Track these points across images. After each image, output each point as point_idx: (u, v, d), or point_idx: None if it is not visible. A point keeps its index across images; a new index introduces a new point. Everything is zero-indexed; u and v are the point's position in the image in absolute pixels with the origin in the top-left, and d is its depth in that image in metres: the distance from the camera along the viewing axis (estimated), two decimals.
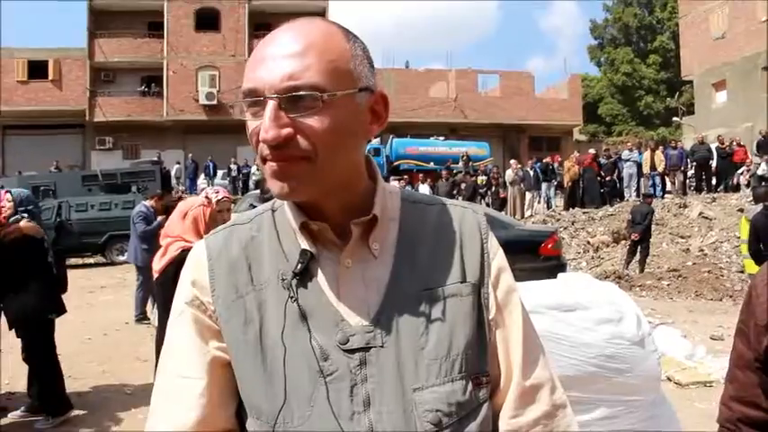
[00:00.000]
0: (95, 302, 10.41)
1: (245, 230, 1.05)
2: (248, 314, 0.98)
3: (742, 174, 19.23)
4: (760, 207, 7.76)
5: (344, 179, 0.98)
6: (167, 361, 1.03)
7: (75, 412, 5.18)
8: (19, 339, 5.07)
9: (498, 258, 1.08)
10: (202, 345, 1.01)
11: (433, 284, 1.01)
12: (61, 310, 5.16)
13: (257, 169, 25.53)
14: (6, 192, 5.11)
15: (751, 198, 12.96)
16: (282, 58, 0.91)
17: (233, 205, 5.28)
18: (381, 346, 0.96)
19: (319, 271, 0.99)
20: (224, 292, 1.00)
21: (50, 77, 31.46)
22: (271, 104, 0.90)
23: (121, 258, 15.53)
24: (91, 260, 17.14)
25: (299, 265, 0.97)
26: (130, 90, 32.51)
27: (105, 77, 32.61)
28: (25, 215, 4.97)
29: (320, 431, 0.92)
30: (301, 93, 0.90)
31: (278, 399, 0.94)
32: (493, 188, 20.55)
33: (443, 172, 20.60)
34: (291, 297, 0.96)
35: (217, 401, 0.99)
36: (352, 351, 0.95)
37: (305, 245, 0.99)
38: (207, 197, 4.34)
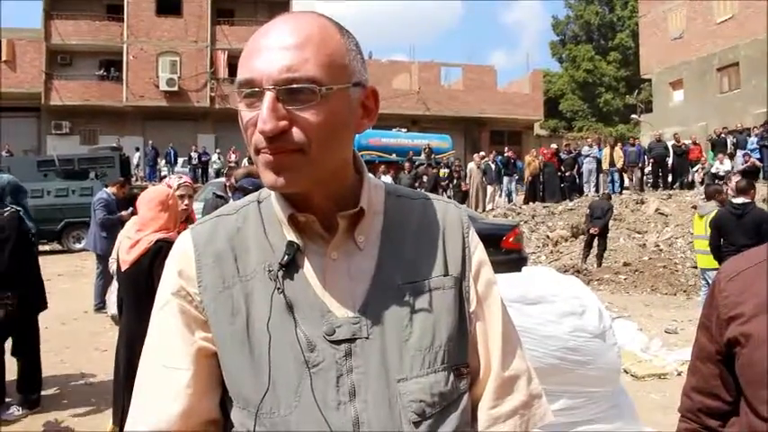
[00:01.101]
0: (52, 291, 10.08)
1: (230, 221, 1.06)
2: (235, 305, 0.99)
3: (697, 171, 19.73)
4: (712, 204, 7.97)
5: (334, 172, 0.99)
6: (152, 350, 1.04)
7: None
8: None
9: (479, 252, 1.11)
10: (188, 335, 1.01)
11: (417, 277, 1.03)
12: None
13: (218, 157, 25.30)
14: None
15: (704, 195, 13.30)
16: (280, 49, 0.92)
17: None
18: (367, 338, 0.97)
19: (306, 263, 1.00)
20: (211, 283, 1.01)
21: (3, 58, 30.45)
22: (269, 96, 0.90)
23: (78, 246, 15.23)
24: (47, 247, 16.77)
25: (286, 256, 0.98)
26: (88, 74, 31.73)
27: (62, 60, 31.75)
28: (13, 207, 4.87)
29: (306, 421, 0.94)
30: (299, 85, 0.91)
31: (263, 387, 0.95)
32: (455, 181, 20.66)
33: (406, 164, 20.61)
34: (278, 288, 0.97)
35: (202, 392, 1.00)
36: (338, 342, 0.97)
37: (291, 237, 1.00)
38: (168, 185, 4.27)
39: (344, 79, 0.96)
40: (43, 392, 5.20)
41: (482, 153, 21.79)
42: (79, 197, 15.56)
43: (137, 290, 3.40)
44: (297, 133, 0.92)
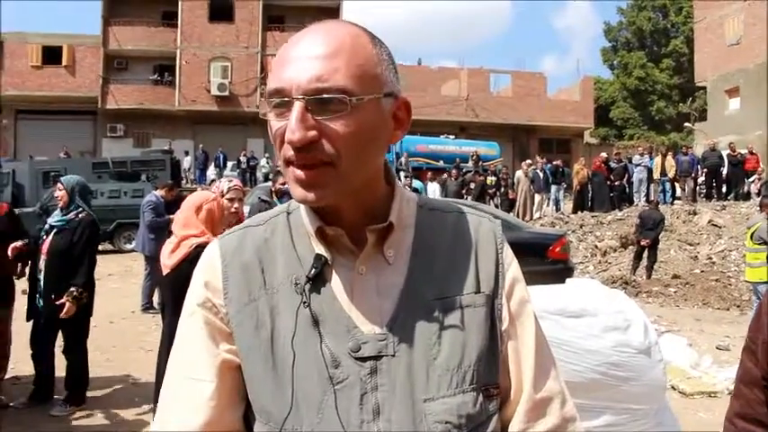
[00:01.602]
0: (102, 290, 10.33)
1: (258, 232, 1.05)
2: (260, 318, 0.98)
3: (753, 182, 19.12)
4: (760, 216, 7.75)
5: (365, 185, 0.98)
6: (177, 361, 1.03)
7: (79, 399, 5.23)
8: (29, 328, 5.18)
9: (513, 269, 1.08)
10: (213, 347, 1.00)
11: (448, 294, 1.00)
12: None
13: (267, 162, 25.59)
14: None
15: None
16: (311, 59, 0.91)
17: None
18: (393, 355, 0.95)
19: (333, 277, 0.99)
20: (236, 295, 1.00)
21: (64, 63, 31.51)
22: (298, 105, 0.89)
23: (129, 247, 15.55)
24: (99, 247, 17.20)
25: (313, 269, 0.97)
26: (143, 78, 32.54)
27: (118, 65, 32.65)
28: (84, 207, 5.12)
29: None
30: (329, 95, 0.89)
31: (286, 404, 0.94)
32: (502, 189, 20.47)
33: (453, 171, 20.54)
34: (304, 302, 0.96)
35: (225, 404, 0.99)
36: (364, 359, 0.95)
37: (319, 249, 0.99)
38: (219, 189, 4.30)
39: (376, 90, 0.94)
40: (89, 391, 5.31)
41: (528, 161, 21.49)
42: (131, 198, 15.90)
43: (178, 294, 3.41)
44: (326, 145, 0.90)
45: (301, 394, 0.94)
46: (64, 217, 5.08)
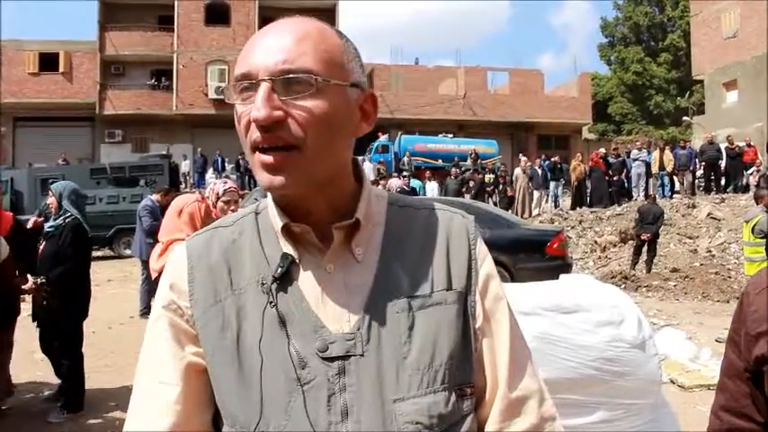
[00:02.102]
0: (101, 296, 10.38)
1: (226, 233, 1.04)
2: (226, 319, 0.97)
3: (752, 174, 19.10)
4: (757, 209, 7.72)
5: (332, 176, 0.97)
6: (144, 364, 1.02)
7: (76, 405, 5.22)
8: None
9: (487, 265, 1.06)
10: (178, 350, 0.99)
11: (418, 291, 0.98)
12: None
13: None
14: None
15: None
16: (278, 45, 0.92)
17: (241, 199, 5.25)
18: (362, 355, 0.93)
19: (301, 275, 0.97)
20: (202, 297, 0.98)
21: (61, 70, 31.53)
22: (264, 86, 0.89)
23: (128, 252, 15.55)
24: (98, 253, 17.20)
25: (280, 269, 0.96)
26: (140, 83, 32.57)
27: (115, 70, 32.67)
28: (73, 211, 5.10)
29: None
30: (296, 75, 0.90)
31: (254, 408, 0.92)
32: (501, 186, 20.47)
33: (452, 170, 20.55)
34: (270, 302, 0.95)
35: (192, 407, 0.98)
36: (332, 359, 0.93)
37: (286, 248, 0.97)
38: (215, 192, 4.27)
39: (342, 77, 0.94)
40: (87, 396, 5.30)
41: (524, 158, 21.48)
42: (129, 204, 15.91)
43: None
44: (293, 125, 0.90)
45: (268, 396, 0.92)
46: (53, 223, 5.10)
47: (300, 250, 0.98)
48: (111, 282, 12.10)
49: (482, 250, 1.07)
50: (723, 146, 19.45)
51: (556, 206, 20.27)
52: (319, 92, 0.90)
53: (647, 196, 16.89)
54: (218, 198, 4.13)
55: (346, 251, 0.99)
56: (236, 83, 0.93)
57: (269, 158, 0.91)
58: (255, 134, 0.91)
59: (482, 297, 1.03)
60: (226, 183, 4.48)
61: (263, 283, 0.96)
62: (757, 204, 8.11)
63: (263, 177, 0.92)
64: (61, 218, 5.07)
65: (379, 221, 1.03)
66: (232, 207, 4.23)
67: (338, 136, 0.95)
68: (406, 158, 23.27)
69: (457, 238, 1.05)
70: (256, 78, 0.90)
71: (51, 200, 5.18)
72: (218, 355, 0.96)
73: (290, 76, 0.89)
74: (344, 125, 0.96)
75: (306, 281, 0.97)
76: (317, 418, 0.91)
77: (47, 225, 5.19)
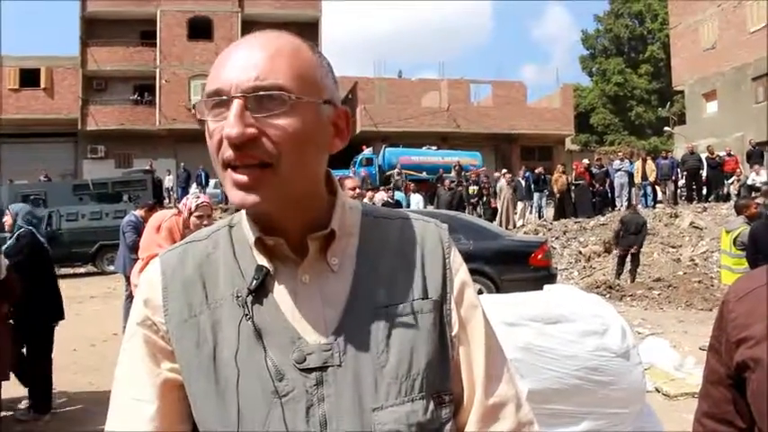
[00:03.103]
0: (84, 313, 10.33)
1: (200, 247, 1.03)
2: (201, 334, 0.96)
3: (732, 183, 19.34)
4: (739, 219, 7.78)
5: (305, 191, 0.96)
6: (119, 382, 1.01)
7: (58, 424, 5.18)
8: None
9: (461, 273, 1.06)
10: (153, 367, 0.98)
11: (394, 301, 0.98)
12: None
13: None
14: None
15: None
16: (250, 60, 0.90)
17: (223, 213, 5.24)
18: (339, 365, 0.93)
19: (276, 287, 0.97)
20: (177, 312, 0.98)
21: (42, 85, 31.36)
22: (236, 103, 0.88)
23: (112, 268, 15.46)
24: (81, 270, 17.05)
25: (254, 281, 0.95)
26: (123, 99, 32.45)
27: (97, 86, 32.54)
28: (28, 227, 5.39)
29: None
30: (268, 92, 0.89)
31: (231, 423, 0.92)
32: (485, 198, 20.55)
33: (446, 181, 20.69)
34: (246, 315, 0.94)
35: (170, 424, 0.97)
36: (309, 370, 0.93)
37: (261, 261, 0.97)
38: (188, 207, 4.27)
39: (315, 94, 0.93)
40: (69, 415, 5.26)
41: (506, 171, 21.61)
42: (113, 220, 15.83)
43: None
44: (266, 143, 0.89)
45: (246, 409, 0.92)
46: (9, 241, 5.40)
47: (275, 262, 0.98)
48: (94, 298, 11.99)
49: (456, 259, 1.07)
50: (704, 156, 19.69)
51: (540, 217, 20.38)
52: (292, 109, 0.90)
53: (629, 206, 17.03)
54: (190, 213, 4.13)
55: (322, 262, 0.98)
56: (207, 99, 0.92)
57: (242, 177, 0.90)
58: (228, 152, 0.89)
59: (457, 305, 1.04)
60: (199, 197, 4.49)
61: (237, 296, 0.96)
62: (738, 215, 8.18)
63: (235, 195, 0.91)
64: (15, 234, 5.38)
65: (353, 232, 1.03)
66: (205, 222, 4.23)
67: (312, 153, 0.94)
68: (395, 172, 23.31)
69: (431, 246, 1.05)
70: (228, 95, 0.89)
71: (7, 218, 5.55)
72: (194, 370, 0.95)
73: (263, 93, 0.89)
74: (318, 142, 0.95)
75: (281, 293, 0.97)
76: (295, 429, 0.90)
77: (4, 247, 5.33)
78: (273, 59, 0.90)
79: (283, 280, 0.97)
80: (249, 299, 0.95)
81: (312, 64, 0.95)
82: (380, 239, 1.04)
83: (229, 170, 0.91)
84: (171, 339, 0.98)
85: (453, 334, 1.02)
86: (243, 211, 1.02)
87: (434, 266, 1.04)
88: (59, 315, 5.52)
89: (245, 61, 0.90)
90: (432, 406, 0.96)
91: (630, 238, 12.87)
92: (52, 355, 5.46)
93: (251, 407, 0.92)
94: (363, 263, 1.01)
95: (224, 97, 0.90)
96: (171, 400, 0.97)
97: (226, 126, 0.88)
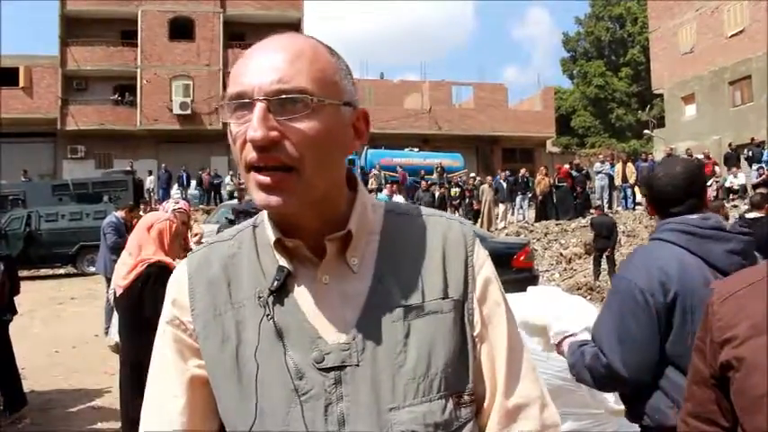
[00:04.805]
0: (64, 314, 10.24)
1: (225, 248, 1.05)
2: (225, 332, 0.98)
3: (710, 186, 19.56)
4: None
5: (326, 194, 0.97)
6: (151, 378, 1.05)
7: (39, 427, 5.11)
8: None
9: (485, 271, 1.06)
10: (181, 364, 1.02)
11: (414, 300, 0.99)
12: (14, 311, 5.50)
13: (231, 179, 25.41)
14: None
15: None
16: (271, 63, 0.92)
17: (205, 219, 5.22)
18: (357, 365, 0.95)
19: (297, 288, 0.99)
20: (203, 311, 1.01)
21: (21, 85, 30.87)
22: (259, 106, 0.89)
23: (92, 269, 15.32)
24: (61, 271, 16.88)
25: (275, 282, 0.97)
26: (103, 99, 32.06)
27: (77, 86, 32.14)
28: None
29: None
30: (291, 95, 0.90)
31: (250, 416, 0.94)
32: (466, 200, 20.63)
33: (423, 183, 20.71)
34: (267, 315, 0.96)
35: (198, 418, 1.00)
36: (328, 370, 0.94)
37: (282, 261, 0.98)
38: (165, 211, 4.23)
39: (336, 96, 0.95)
40: (51, 417, 5.21)
41: (489, 178, 21.73)
42: (93, 220, 15.65)
43: (132, 314, 3.40)
44: (289, 146, 0.90)
45: (267, 406, 0.94)
46: None
47: (295, 263, 0.99)
48: (74, 299, 11.88)
49: (480, 256, 1.07)
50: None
51: (522, 219, 20.49)
52: (314, 112, 0.91)
53: (611, 207, 17.16)
54: None
55: (342, 262, 0.99)
56: (230, 102, 0.93)
57: (266, 179, 0.91)
58: (252, 154, 0.91)
59: (480, 304, 1.04)
60: (177, 203, 4.50)
61: (259, 297, 0.98)
62: (753, 210, 8.23)
63: (259, 197, 0.92)
64: None
65: (374, 230, 1.04)
66: (181, 228, 4.23)
67: (333, 156, 0.96)
68: (376, 171, 23.30)
69: (454, 245, 1.05)
70: (251, 98, 0.90)
71: None
72: (219, 367, 0.98)
73: (286, 96, 0.90)
74: (339, 144, 0.97)
75: (302, 293, 0.98)
76: (314, 427, 0.93)
77: None
78: (295, 62, 0.92)
79: (303, 280, 0.99)
80: (270, 299, 0.97)
81: (332, 66, 0.96)
82: (403, 238, 1.05)
83: (253, 172, 0.92)
84: (198, 337, 1.01)
85: (476, 333, 1.03)
86: (265, 212, 1.03)
87: (456, 265, 1.04)
88: (10, 309, 5.42)
89: (267, 64, 0.92)
90: (450, 406, 0.97)
91: (603, 241, 12.99)
92: (13, 350, 5.37)
93: (271, 403, 0.94)
94: (384, 262, 1.01)
95: (247, 100, 0.91)
96: (199, 396, 1.01)
97: (249, 129, 0.89)
